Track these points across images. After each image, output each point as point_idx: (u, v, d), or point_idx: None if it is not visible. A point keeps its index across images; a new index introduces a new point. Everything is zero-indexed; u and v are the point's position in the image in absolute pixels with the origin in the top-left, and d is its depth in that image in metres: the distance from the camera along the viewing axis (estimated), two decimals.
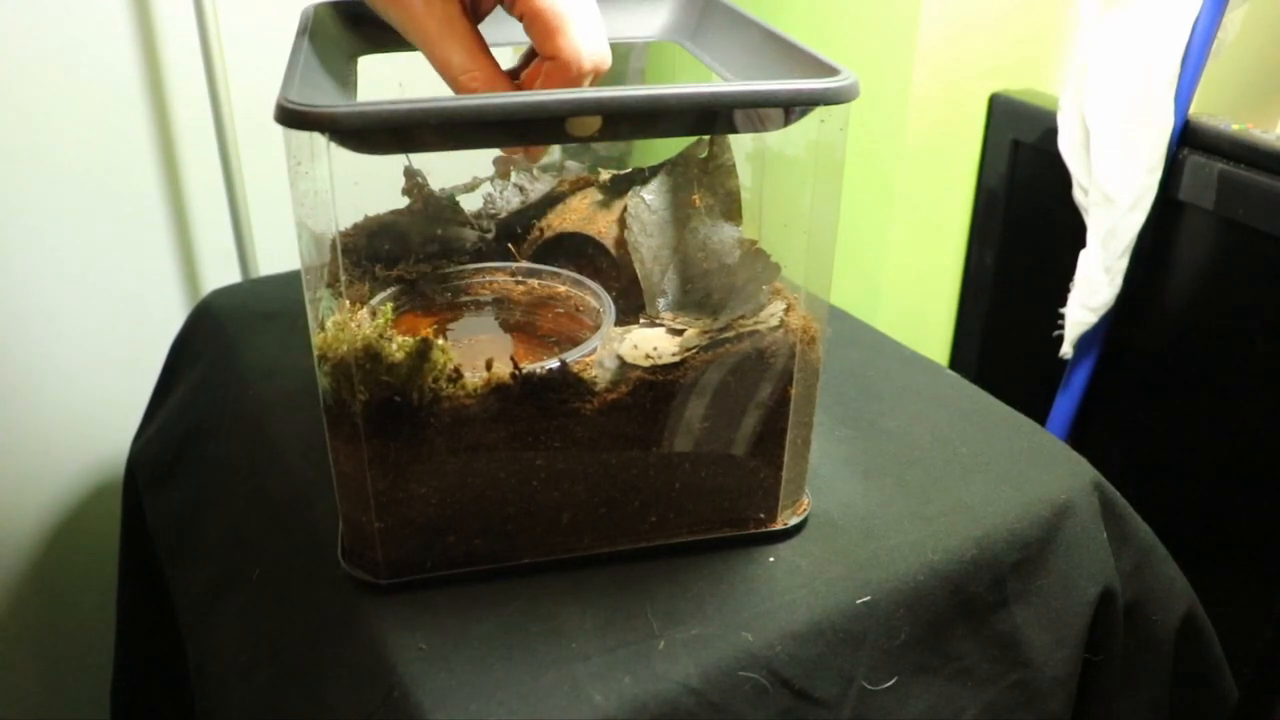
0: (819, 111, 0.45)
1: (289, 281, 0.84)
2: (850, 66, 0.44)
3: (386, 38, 0.58)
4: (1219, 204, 0.82)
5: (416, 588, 0.49)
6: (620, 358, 0.48)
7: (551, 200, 0.64)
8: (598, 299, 0.56)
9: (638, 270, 0.55)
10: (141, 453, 0.78)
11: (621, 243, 0.57)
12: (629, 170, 0.62)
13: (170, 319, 1.00)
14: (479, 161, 0.65)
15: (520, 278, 0.60)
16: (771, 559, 0.52)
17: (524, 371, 0.46)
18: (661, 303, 0.55)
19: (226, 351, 0.74)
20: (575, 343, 0.52)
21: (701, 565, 0.51)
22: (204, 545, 0.65)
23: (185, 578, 0.65)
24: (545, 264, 0.60)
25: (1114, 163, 0.83)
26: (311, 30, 0.52)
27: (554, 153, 0.76)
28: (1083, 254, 0.87)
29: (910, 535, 0.53)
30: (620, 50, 0.51)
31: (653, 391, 0.48)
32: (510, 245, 0.62)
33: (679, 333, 0.50)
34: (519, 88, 0.49)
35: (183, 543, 0.68)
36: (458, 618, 0.48)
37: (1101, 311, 0.88)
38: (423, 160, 0.64)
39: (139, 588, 0.82)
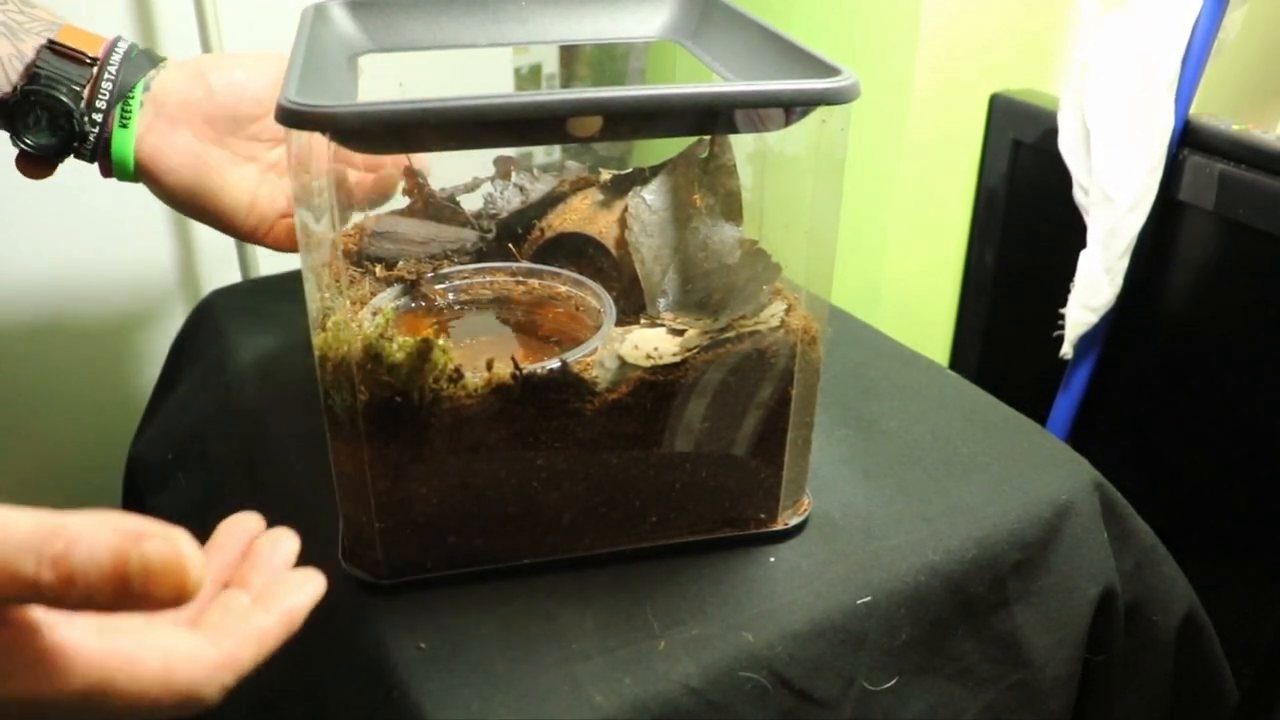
0: (820, 111, 0.45)
1: (289, 281, 0.84)
2: (851, 66, 0.44)
3: (387, 38, 0.58)
4: (1219, 204, 0.82)
5: (417, 588, 0.49)
6: (621, 358, 0.48)
7: (552, 200, 0.64)
8: (598, 299, 0.56)
9: (638, 270, 0.55)
10: (142, 453, 0.78)
11: (622, 243, 0.57)
12: (629, 170, 0.62)
13: (170, 319, 1.00)
14: (479, 161, 0.65)
15: (521, 278, 0.60)
16: (772, 559, 0.52)
17: (525, 371, 0.46)
18: (662, 303, 0.55)
19: (227, 351, 0.74)
20: (576, 343, 0.52)
21: (702, 565, 0.51)
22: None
23: None
24: (546, 264, 0.60)
25: (1114, 163, 0.83)
26: (312, 30, 0.52)
27: (555, 152, 0.76)
28: (1083, 254, 0.87)
29: (911, 535, 0.53)
30: (620, 50, 0.51)
31: (653, 391, 0.48)
32: (510, 245, 0.62)
33: (680, 333, 0.50)
34: None
35: None
36: (458, 618, 0.48)
37: (1102, 311, 0.88)
38: (423, 160, 0.64)
39: None
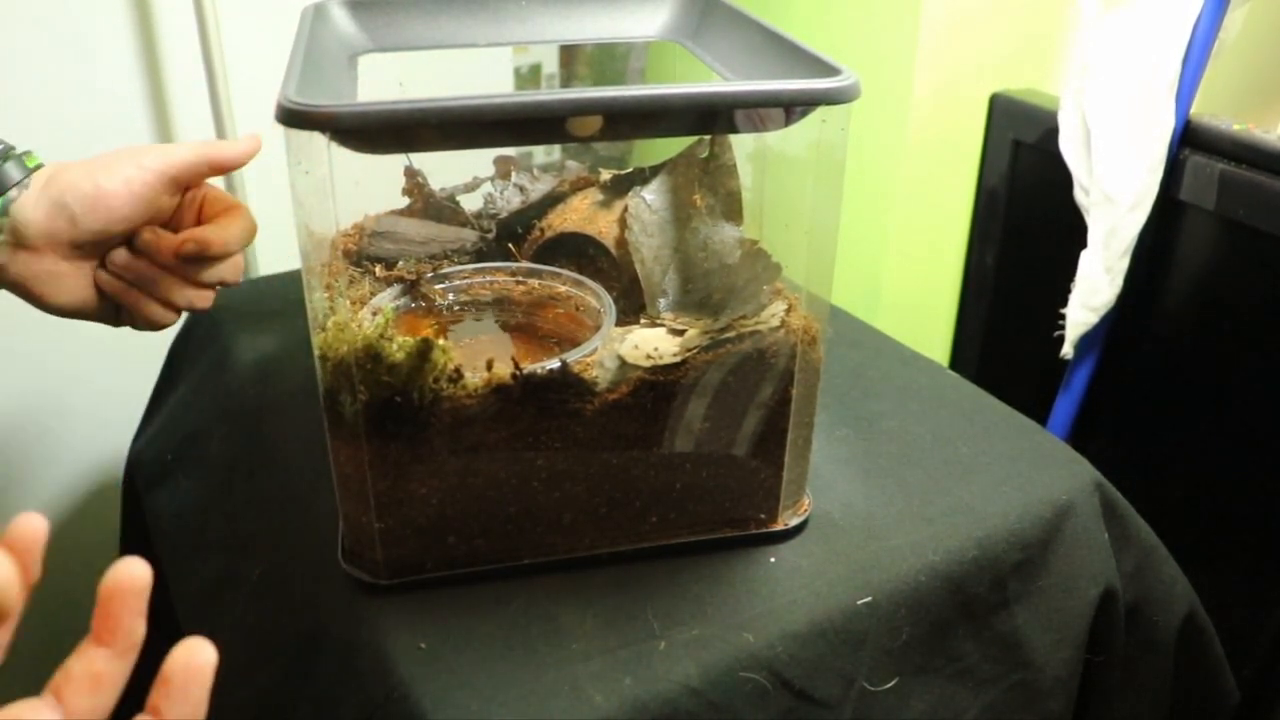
0: (820, 111, 0.45)
1: (289, 281, 0.84)
2: (851, 66, 0.44)
3: (387, 38, 0.58)
4: (1220, 204, 0.82)
5: (417, 588, 0.49)
6: (621, 358, 0.48)
7: (552, 200, 0.64)
8: (598, 299, 0.56)
9: (638, 270, 0.55)
10: (141, 453, 0.78)
11: (622, 243, 0.57)
12: (629, 170, 0.62)
13: None
14: (479, 161, 0.65)
15: (521, 278, 0.60)
16: (772, 559, 0.52)
17: (524, 372, 0.46)
18: (662, 303, 0.55)
19: (226, 351, 0.74)
20: (576, 343, 0.52)
21: (702, 565, 0.51)
22: (204, 545, 0.65)
23: (186, 578, 0.65)
24: (546, 264, 0.60)
25: (1115, 163, 0.83)
26: (312, 30, 0.52)
27: (555, 152, 0.76)
28: (1083, 254, 0.87)
29: (911, 536, 0.53)
30: (620, 50, 0.51)
31: (653, 392, 0.48)
32: (510, 245, 0.62)
33: (680, 333, 0.50)
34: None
35: (183, 543, 0.68)
36: (458, 618, 0.48)
37: (1102, 311, 0.88)
38: (423, 160, 0.64)
39: None
